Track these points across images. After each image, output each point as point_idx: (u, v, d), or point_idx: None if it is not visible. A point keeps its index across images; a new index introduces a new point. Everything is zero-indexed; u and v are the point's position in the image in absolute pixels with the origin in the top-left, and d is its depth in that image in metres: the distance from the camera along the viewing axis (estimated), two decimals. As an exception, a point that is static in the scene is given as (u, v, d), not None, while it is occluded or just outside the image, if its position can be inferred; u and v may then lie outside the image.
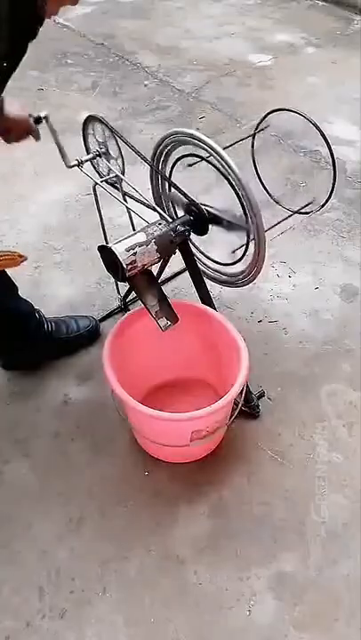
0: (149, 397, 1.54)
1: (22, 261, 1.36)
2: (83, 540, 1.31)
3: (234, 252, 1.37)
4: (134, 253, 1.19)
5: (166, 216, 1.34)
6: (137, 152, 1.35)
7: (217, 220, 1.30)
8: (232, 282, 1.47)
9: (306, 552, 1.29)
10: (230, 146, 1.32)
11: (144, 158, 1.36)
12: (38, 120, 1.40)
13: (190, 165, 1.32)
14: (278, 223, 1.47)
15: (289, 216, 1.51)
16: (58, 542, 1.31)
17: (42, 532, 1.33)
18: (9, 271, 1.42)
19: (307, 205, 1.53)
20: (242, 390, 1.30)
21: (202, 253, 1.54)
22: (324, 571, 1.26)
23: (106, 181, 1.45)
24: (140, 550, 1.30)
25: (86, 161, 1.45)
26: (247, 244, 1.31)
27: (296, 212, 1.55)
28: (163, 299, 1.29)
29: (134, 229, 1.39)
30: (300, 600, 1.22)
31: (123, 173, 1.45)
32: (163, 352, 1.44)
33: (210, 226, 1.30)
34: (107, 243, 1.22)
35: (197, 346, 1.47)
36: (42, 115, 1.40)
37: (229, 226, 1.30)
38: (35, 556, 1.29)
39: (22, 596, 1.23)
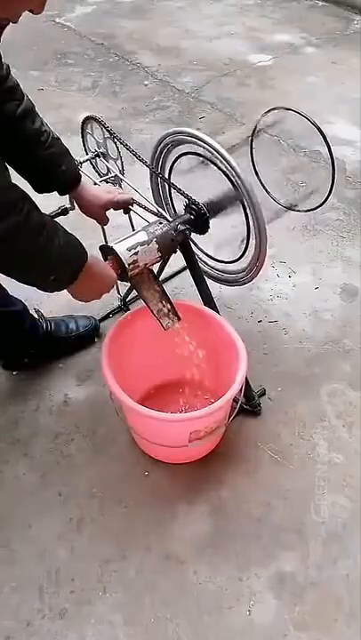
0: (148, 398, 1.54)
1: None
2: (83, 540, 1.31)
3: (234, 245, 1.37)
4: (136, 253, 1.19)
5: (166, 215, 1.35)
6: (135, 154, 1.35)
7: (215, 208, 1.30)
8: (233, 280, 1.47)
9: (306, 552, 1.29)
10: (234, 146, 1.32)
11: (142, 160, 1.36)
12: (65, 211, 1.41)
13: (203, 162, 1.32)
14: (278, 219, 1.47)
15: (285, 211, 1.51)
16: (58, 542, 1.31)
17: (42, 531, 1.33)
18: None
19: (306, 204, 1.53)
20: (241, 389, 1.30)
21: (202, 252, 1.54)
22: (324, 571, 1.26)
23: (105, 181, 1.46)
24: (140, 550, 1.29)
25: (85, 161, 1.45)
26: (247, 241, 1.31)
27: (295, 211, 1.55)
28: (165, 297, 1.29)
29: (134, 229, 1.39)
30: (300, 600, 1.22)
31: (122, 173, 1.45)
32: (161, 352, 1.44)
33: (210, 223, 1.30)
34: (107, 242, 1.22)
35: (196, 346, 1.47)
36: (68, 206, 1.41)
37: (226, 201, 1.30)
38: (34, 556, 1.29)
39: (22, 596, 1.23)
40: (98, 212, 1.41)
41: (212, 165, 1.26)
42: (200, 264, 1.45)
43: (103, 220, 1.44)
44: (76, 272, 1.13)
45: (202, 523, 1.34)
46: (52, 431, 1.51)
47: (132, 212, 1.40)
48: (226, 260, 1.44)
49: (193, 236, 1.35)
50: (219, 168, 1.24)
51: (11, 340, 1.58)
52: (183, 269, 1.76)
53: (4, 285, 1.44)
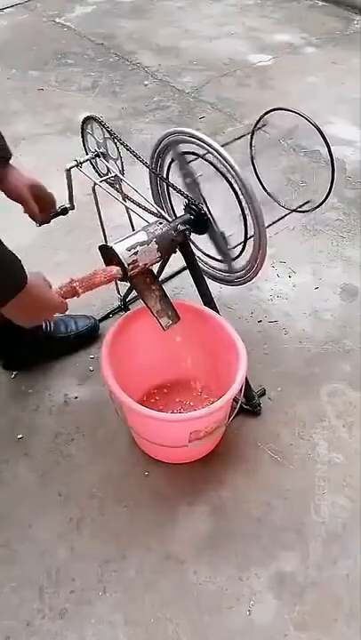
0: (148, 398, 1.55)
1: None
2: (83, 540, 1.31)
3: (232, 248, 1.38)
4: (135, 253, 1.19)
5: (166, 215, 1.35)
6: (135, 154, 1.35)
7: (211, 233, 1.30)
8: (232, 280, 1.47)
9: (306, 552, 1.29)
10: (227, 144, 1.32)
11: (142, 160, 1.36)
12: (65, 211, 1.38)
13: (188, 162, 1.33)
14: (278, 220, 1.47)
15: (287, 214, 1.52)
16: (58, 542, 1.31)
17: (42, 531, 1.33)
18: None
19: (306, 204, 1.53)
20: (241, 389, 1.30)
21: (201, 252, 1.54)
22: (324, 571, 1.26)
23: (105, 181, 1.45)
24: (140, 550, 1.30)
25: (85, 161, 1.45)
26: (245, 242, 1.31)
27: (295, 211, 1.55)
28: (164, 297, 1.29)
29: (134, 229, 1.39)
30: (300, 600, 1.22)
31: (122, 173, 1.45)
32: (161, 352, 1.44)
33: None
34: (107, 242, 1.22)
35: (196, 346, 1.47)
36: (67, 206, 1.38)
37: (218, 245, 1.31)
38: (34, 556, 1.29)
39: (22, 596, 1.23)
40: (23, 191, 1.30)
41: (210, 165, 1.26)
42: (200, 263, 1.45)
43: (29, 202, 1.32)
44: (9, 295, 1.02)
45: (202, 523, 1.34)
46: (52, 431, 1.51)
47: (131, 212, 1.40)
48: (224, 260, 1.44)
49: (193, 236, 1.35)
50: (216, 167, 1.24)
51: (13, 341, 1.58)
52: (183, 269, 1.76)
53: None
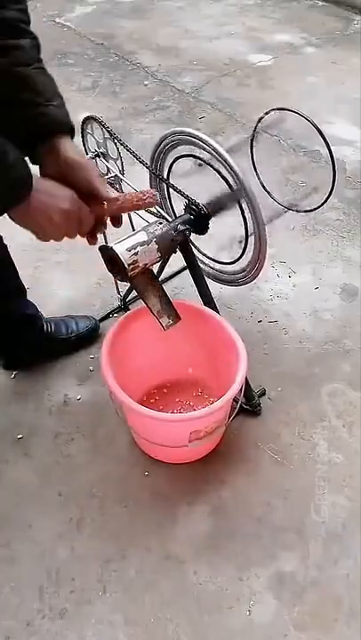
0: (148, 398, 1.55)
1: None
2: (83, 540, 1.31)
3: (234, 245, 1.37)
4: (135, 253, 1.19)
5: (166, 215, 1.35)
6: (134, 154, 1.35)
7: (215, 208, 1.28)
8: (233, 280, 1.47)
9: (306, 552, 1.29)
10: (233, 148, 1.32)
11: (141, 161, 1.36)
12: None
13: (200, 165, 1.33)
14: (277, 218, 1.47)
15: (285, 211, 1.52)
16: (58, 542, 1.31)
17: (42, 531, 1.33)
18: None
19: (305, 204, 1.53)
20: (241, 389, 1.30)
21: (201, 253, 1.54)
22: (324, 571, 1.26)
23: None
24: (140, 550, 1.30)
25: (85, 161, 1.45)
26: (246, 239, 1.31)
27: (295, 211, 1.55)
28: (164, 297, 1.29)
29: (134, 229, 1.39)
30: (300, 600, 1.22)
31: (122, 173, 1.45)
32: (161, 352, 1.44)
33: (210, 224, 1.30)
34: (107, 242, 1.22)
35: (196, 346, 1.47)
36: None
37: (226, 200, 1.25)
38: (35, 556, 1.29)
39: (22, 596, 1.23)
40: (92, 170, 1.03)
41: (210, 167, 1.26)
42: (200, 264, 1.45)
43: (99, 186, 1.03)
44: (9, 202, 0.91)
45: (202, 523, 1.34)
46: (52, 431, 1.51)
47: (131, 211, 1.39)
48: (225, 261, 1.44)
49: (192, 237, 1.35)
50: (217, 170, 1.24)
51: (13, 341, 1.58)
52: (183, 269, 1.76)
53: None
